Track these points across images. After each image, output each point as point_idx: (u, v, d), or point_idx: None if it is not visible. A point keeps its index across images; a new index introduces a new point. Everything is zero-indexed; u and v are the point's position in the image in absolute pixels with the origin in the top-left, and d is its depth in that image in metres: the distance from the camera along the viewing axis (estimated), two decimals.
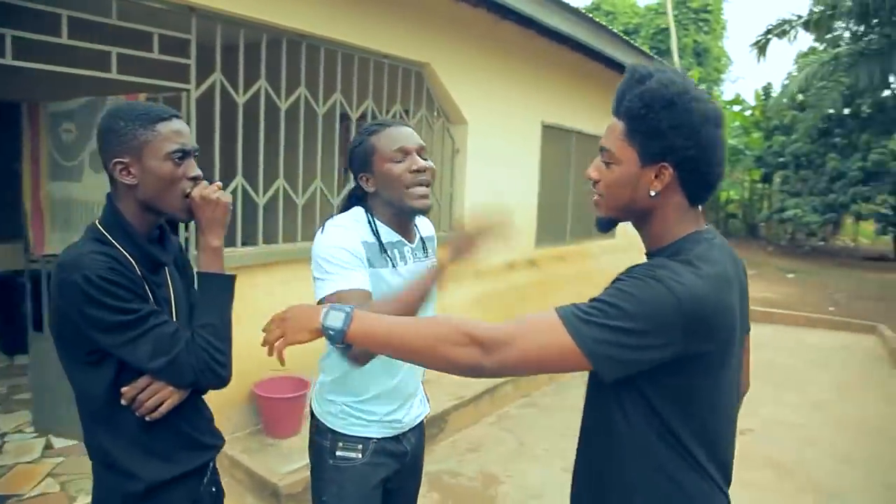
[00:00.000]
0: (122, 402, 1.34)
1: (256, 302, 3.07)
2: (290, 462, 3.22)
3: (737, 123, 21.02)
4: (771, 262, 15.44)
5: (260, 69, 3.60)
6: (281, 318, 1.27)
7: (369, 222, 1.64)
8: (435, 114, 4.99)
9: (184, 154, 1.38)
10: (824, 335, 7.93)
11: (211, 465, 1.56)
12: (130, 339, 1.28)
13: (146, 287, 1.35)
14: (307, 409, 3.73)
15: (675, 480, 1.19)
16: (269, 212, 3.76)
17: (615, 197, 1.23)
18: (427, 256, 1.78)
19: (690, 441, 1.18)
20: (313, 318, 1.22)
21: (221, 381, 1.40)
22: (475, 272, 5.32)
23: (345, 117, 4.21)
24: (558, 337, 1.08)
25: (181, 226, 3.31)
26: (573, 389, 5.27)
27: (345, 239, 1.55)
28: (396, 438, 1.75)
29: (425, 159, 1.63)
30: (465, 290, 5.11)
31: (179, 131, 1.38)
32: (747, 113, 21.30)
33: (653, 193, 1.19)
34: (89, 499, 2.89)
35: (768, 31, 9.59)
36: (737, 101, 21.81)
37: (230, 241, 3.59)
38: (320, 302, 1.49)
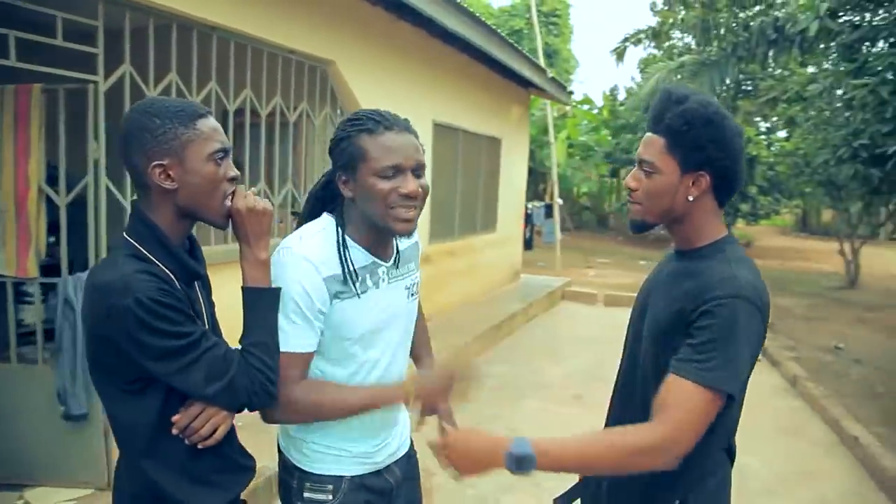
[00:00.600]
0: (174, 431, 1.25)
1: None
2: None
3: (586, 122, 22.62)
4: (623, 250, 16.84)
5: (171, 62, 3.37)
6: (448, 451, 1.29)
7: (338, 245, 1.41)
8: (338, 112, 4.94)
9: (225, 153, 1.28)
10: None
11: None
12: (185, 365, 1.20)
13: (189, 303, 1.27)
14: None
15: (711, 470, 1.38)
16: None
17: (656, 203, 1.36)
18: (405, 274, 1.56)
19: (723, 418, 1.31)
20: (496, 459, 1.24)
21: (273, 400, 1.32)
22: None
23: (223, 112, 4.01)
24: (706, 401, 1.22)
25: None
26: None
27: (307, 279, 1.35)
28: (377, 473, 1.54)
29: (419, 176, 1.39)
30: None
31: (218, 129, 1.28)
32: (595, 112, 23.00)
33: (691, 198, 1.34)
34: None
35: (625, 40, 10.51)
36: (586, 100, 23.43)
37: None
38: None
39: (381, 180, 1.35)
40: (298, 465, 1.49)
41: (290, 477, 1.51)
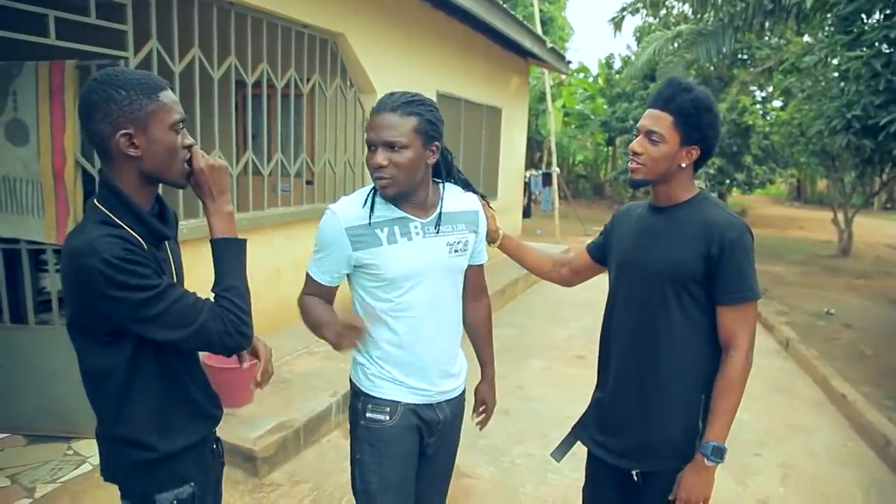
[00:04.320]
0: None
1: (199, 273, 3.05)
2: (255, 429, 3.29)
3: (582, 90, 22.62)
4: None
5: (193, 37, 3.49)
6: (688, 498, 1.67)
7: (369, 201, 1.67)
8: (348, 83, 5.06)
9: (183, 123, 1.37)
10: None
11: None
12: (156, 314, 1.27)
13: (157, 263, 1.35)
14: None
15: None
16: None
17: (657, 166, 1.70)
18: (447, 232, 1.72)
19: None
20: (709, 481, 1.67)
21: (248, 341, 1.39)
22: None
23: (241, 84, 4.13)
24: (754, 310, 1.69)
25: None
26: None
27: (332, 231, 1.66)
28: (429, 406, 1.76)
29: (396, 150, 1.58)
30: None
31: (177, 100, 1.37)
32: (590, 80, 22.98)
33: (683, 165, 1.70)
34: (48, 489, 2.82)
35: (623, 9, 10.54)
36: (582, 69, 23.38)
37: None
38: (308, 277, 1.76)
39: (369, 152, 1.64)
40: (363, 390, 1.76)
41: (357, 399, 1.78)
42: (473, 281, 1.93)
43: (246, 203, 4.13)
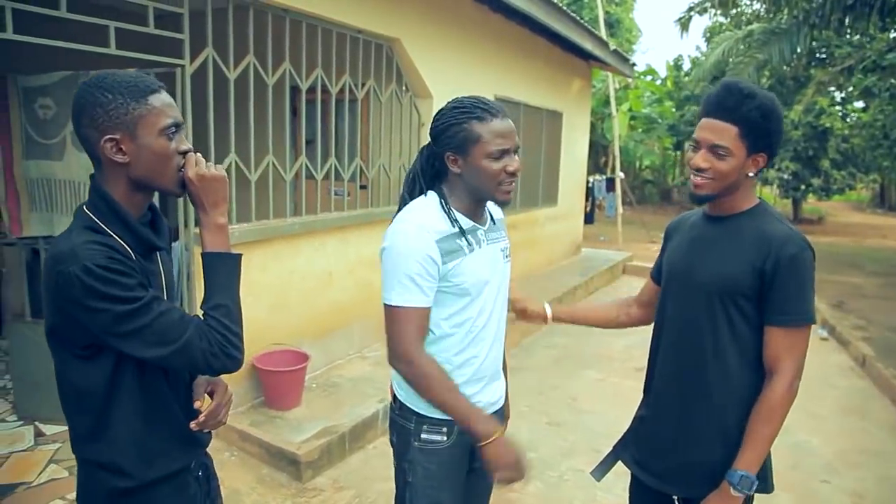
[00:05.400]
0: (192, 425, 1.38)
1: (251, 277, 3.11)
2: (301, 432, 3.32)
3: (649, 93, 22.04)
4: None
5: (248, 44, 3.56)
6: None
7: (445, 211, 1.62)
8: (403, 88, 5.06)
9: (177, 128, 1.28)
10: None
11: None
12: (137, 329, 1.19)
13: (145, 275, 1.27)
14: (307, 381, 3.82)
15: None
16: (259, 188, 3.77)
17: (726, 179, 1.58)
18: (498, 238, 1.75)
19: None
20: (733, 500, 1.54)
21: (236, 363, 1.30)
22: None
23: (296, 90, 4.13)
24: (807, 335, 1.56)
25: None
26: (539, 350, 5.59)
27: (424, 244, 1.54)
28: None
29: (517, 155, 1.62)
30: None
31: (171, 104, 1.28)
32: (658, 83, 22.38)
33: (751, 174, 1.60)
34: None
35: (690, 9, 10.22)
36: (650, 71, 22.79)
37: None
38: (388, 306, 1.55)
39: (493, 161, 1.57)
40: (417, 410, 1.67)
41: (408, 420, 1.69)
42: None
43: (300, 207, 4.18)
